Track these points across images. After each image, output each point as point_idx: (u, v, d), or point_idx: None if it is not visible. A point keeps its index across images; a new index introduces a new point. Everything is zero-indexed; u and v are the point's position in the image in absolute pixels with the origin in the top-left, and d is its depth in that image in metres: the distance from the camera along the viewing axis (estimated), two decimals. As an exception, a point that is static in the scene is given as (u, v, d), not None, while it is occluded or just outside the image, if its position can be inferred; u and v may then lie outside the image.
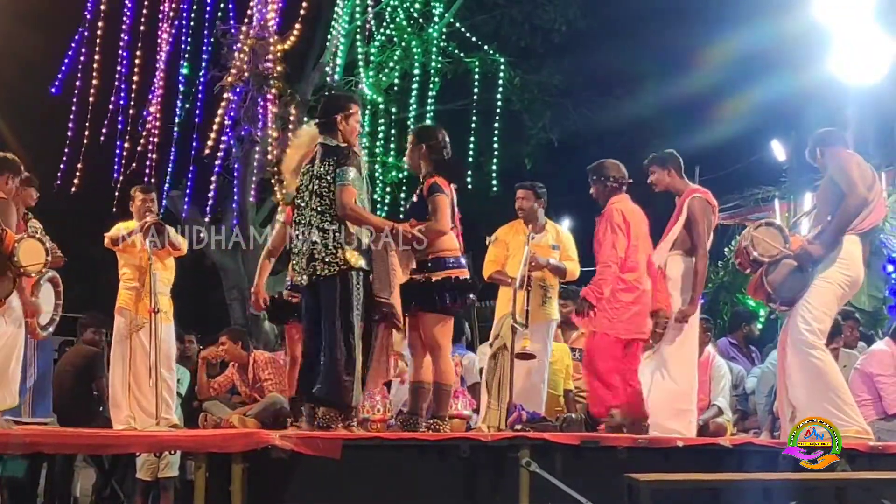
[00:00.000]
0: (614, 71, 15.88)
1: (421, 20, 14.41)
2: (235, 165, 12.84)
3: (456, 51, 14.79)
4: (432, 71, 14.34)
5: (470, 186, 12.75)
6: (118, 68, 11.57)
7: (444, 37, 14.57)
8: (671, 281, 6.09)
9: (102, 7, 11.37)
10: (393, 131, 14.45)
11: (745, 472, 5.27)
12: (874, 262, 9.79)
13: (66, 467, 7.74)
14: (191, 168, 12.51)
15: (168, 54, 11.82)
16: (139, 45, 11.61)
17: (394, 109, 14.35)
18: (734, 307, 11.22)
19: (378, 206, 13.76)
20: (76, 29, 11.49)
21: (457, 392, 6.68)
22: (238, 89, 12.30)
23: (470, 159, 13.84)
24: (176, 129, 12.26)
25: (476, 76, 14.79)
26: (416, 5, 14.22)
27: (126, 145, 11.64)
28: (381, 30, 14.33)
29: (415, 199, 5.86)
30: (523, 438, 5.24)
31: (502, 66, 14.81)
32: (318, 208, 5.33)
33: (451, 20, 14.55)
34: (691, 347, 6.15)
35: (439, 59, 14.47)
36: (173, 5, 11.80)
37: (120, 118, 11.51)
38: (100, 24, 11.35)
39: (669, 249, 6.13)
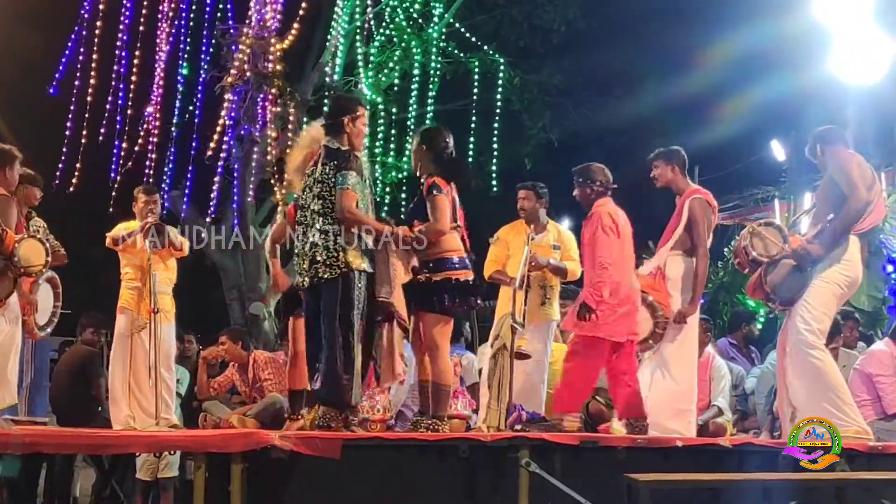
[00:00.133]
0: (614, 71, 15.87)
1: (420, 20, 14.41)
2: (235, 165, 12.84)
3: (456, 51, 14.80)
4: (432, 71, 14.34)
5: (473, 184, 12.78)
6: (117, 68, 11.57)
7: (443, 37, 14.58)
8: (671, 281, 6.09)
9: (101, 6, 11.37)
10: (393, 132, 14.45)
11: (744, 472, 5.27)
12: (874, 263, 9.79)
13: (65, 467, 7.74)
14: (190, 168, 12.53)
15: (167, 54, 11.82)
16: (138, 44, 11.62)
17: (394, 110, 14.35)
18: (734, 307, 11.22)
19: (378, 206, 13.76)
20: (75, 29, 11.50)
21: (456, 392, 6.69)
22: (238, 89, 12.30)
23: (470, 159, 13.85)
24: (175, 129, 12.26)
25: (476, 76, 14.79)
26: (416, 5, 14.22)
27: (124, 145, 11.65)
28: (381, 30, 14.34)
29: (416, 199, 5.88)
30: (523, 438, 5.25)
31: (502, 67, 14.81)
32: (320, 211, 5.36)
33: (451, 20, 14.55)
34: (691, 347, 6.15)
35: (439, 59, 14.48)
36: (173, 5, 11.80)
37: (118, 118, 11.51)
38: (98, 23, 11.34)
39: (669, 250, 6.13)
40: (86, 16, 11.40)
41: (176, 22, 11.84)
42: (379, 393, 6.51)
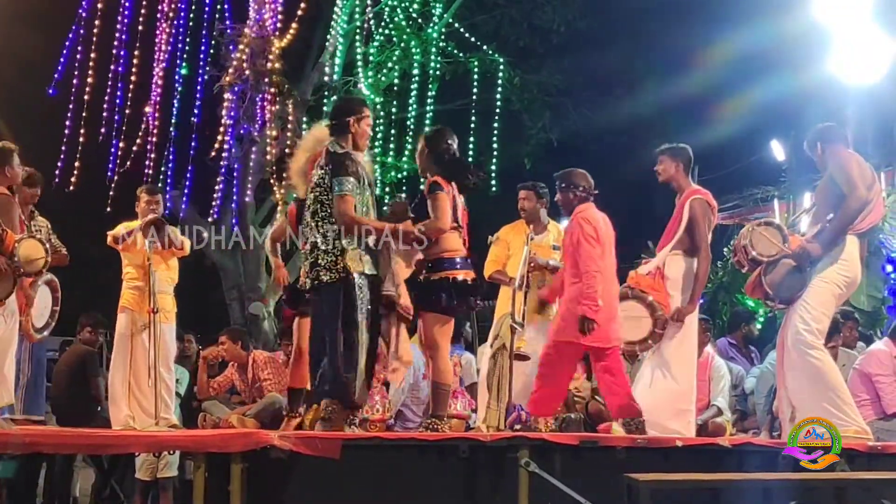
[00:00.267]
0: (614, 71, 15.88)
1: (420, 20, 14.41)
2: (235, 165, 12.85)
3: (455, 51, 14.80)
4: (431, 71, 14.34)
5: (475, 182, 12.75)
6: (116, 67, 11.58)
7: (443, 37, 14.58)
8: (670, 281, 6.08)
9: (99, 5, 11.37)
10: (392, 132, 14.45)
11: (744, 472, 5.27)
12: (873, 263, 9.78)
13: (65, 467, 7.74)
14: (189, 168, 12.53)
15: (166, 54, 11.82)
16: (137, 44, 11.62)
17: (393, 109, 14.35)
18: (733, 307, 11.21)
19: (378, 205, 13.75)
20: (74, 28, 11.50)
21: (456, 392, 6.69)
22: (237, 88, 12.31)
23: (470, 159, 13.84)
24: (174, 128, 12.27)
25: (475, 76, 14.79)
26: (415, 5, 14.22)
27: (122, 145, 11.65)
28: (381, 30, 14.34)
29: (418, 199, 5.90)
30: (522, 438, 5.24)
31: (502, 66, 14.81)
32: (320, 214, 5.40)
33: (451, 20, 14.55)
34: (691, 347, 6.15)
35: (439, 59, 14.48)
36: (173, 5, 11.80)
37: (117, 117, 11.52)
38: (96, 22, 11.34)
39: (670, 250, 6.12)
40: (84, 15, 11.40)
41: (175, 22, 11.84)
42: (378, 393, 6.51)
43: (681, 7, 14.48)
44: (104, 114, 11.56)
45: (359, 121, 5.57)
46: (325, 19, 13.89)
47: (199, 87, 12.45)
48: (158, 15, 11.69)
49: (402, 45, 14.31)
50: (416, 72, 14.26)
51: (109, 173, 11.66)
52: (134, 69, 11.65)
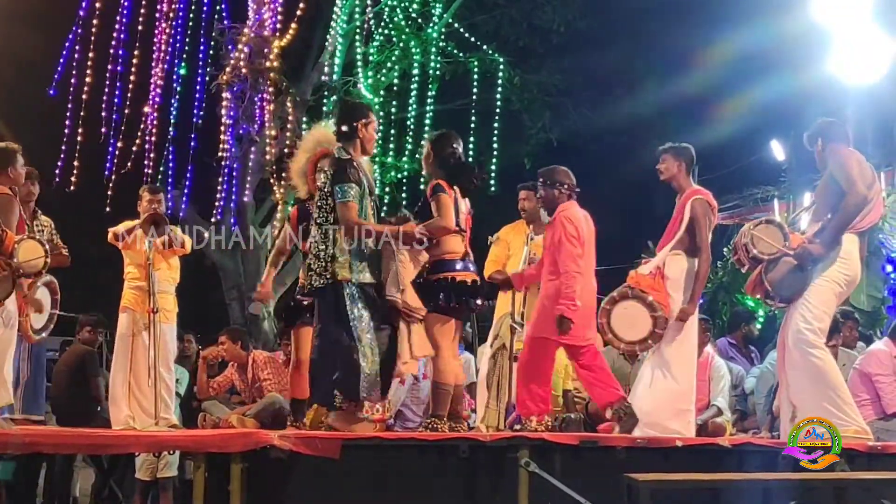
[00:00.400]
0: (614, 71, 15.88)
1: (420, 20, 14.41)
2: (234, 165, 12.85)
3: (455, 51, 14.80)
4: (431, 71, 14.34)
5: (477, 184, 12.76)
6: (115, 67, 11.58)
7: (443, 37, 14.57)
8: (670, 281, 6.07)
9: (97, 5, 11.36)
10: (392, 131, 14.46)
11: (744, 472, 5.27)
12: (873, 263, 9.77)
13: (65, 467, 7.74)
14: (189, 168, 12.53)
15: (166, 54, 11.82)
16: (136, 44, 11.63)
17: (393, 110, 14.35)
18: (733, 307, 11.20)
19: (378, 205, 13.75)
20: (73, 28, 11.50)
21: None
22: (236, 88, 12.31)
23: (470, 159, 13.84)
24: (173, 128, 12.27)
25: (475, 76, 14.79)
26: (415, 5, 14.22)
27: (120, 144, 11.65)
28: (380, 30, 14.34)
29: (421, 202, 5.92)
30: (522, 438, 5.25)
31: (501, 66, 14.81)
32: (318, 220, 5.45)
33: (450, 20, 14.55)
34: (691, 347, 6.14)
35: (438, 58, 14.48)
36: (173, 5, 11.80)
37: (115, 116, 11.53)
38: (94, 21, 11.34)
39: (670, 250, 6.11)
40: (83, 14, 11.41)
41: (174, 21, 11.84)
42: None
43: (681, 7, 14.48)
44: (103, 114, 11.57)
45: (366, 126, 5.60)
46: (325, 19, 13.90)
47: (197, 87, 12.45)
48: (157, 14, 11.69)
49: (402, 44, 14.31)
50: (415, 72, 14.26)
51: (107, 172, 11.65)
52: (133, 69, 11.65)
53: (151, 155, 11.88)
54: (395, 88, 14.49)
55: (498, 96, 14.68)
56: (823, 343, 5.74)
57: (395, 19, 14.27)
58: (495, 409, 6.48)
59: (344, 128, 5.59)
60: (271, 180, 12.81)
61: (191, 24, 12.16)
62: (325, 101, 13.99)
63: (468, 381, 7.71)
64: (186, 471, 7.66)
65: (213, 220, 12.60)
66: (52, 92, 11.51)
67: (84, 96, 11.39)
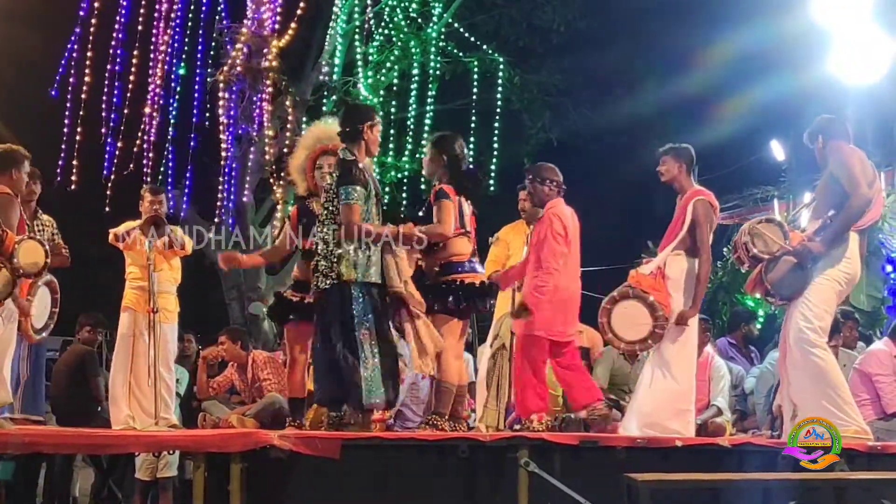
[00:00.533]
0: (614, 71, 15.88)
1: (420, 20, 14.41)
2: (233, 165, 12.85)
3: (455, 50, 14.80)
4: (431, 71, 14.35)
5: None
6: (114, 67, 11.58)
7: (442, 36, 14.57)
8: (671, 281, 6.07)
9: (97, 4, 11.36)
10: (392, 131, 14.46)
11: (744, 472, 5.27)
12: (873, 263, 9.78)
13: (65, 467, 7.74)
14: (188, 167, 12.53)
15: (165, 54, 11.82)
16: (136, 43, 11.63)
17: (393, 109, 14.36)
18: (733, 307, 11.20)
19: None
20: (73, 28, 11.50)
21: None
22: (235, 87, 12.31)
23: (470, 159, 13.83)
24: (172, 128, 12.27)
25: (475, 76, 14.79)
26: (415, 5, 14.22)
27: (120, 144, 11.65)
28: (380, 29, 14.33)
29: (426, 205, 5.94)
30: (522, 438, 5.25)
31: (501, 66, 14.81)
32: (324, 220, 5.46)
33: (450, 20, 14.55)
34: (691, 347, 6.14)
35: (438, 58, 14.48)
36: (173, 5, 11.80)
37: (113, 115, 11.53)
38: (93, 21, 11.34)
39: (672, 250, 6.11)
40: (83, 14, 11.41)
41: (173, 21, 11.84)
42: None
43: (681, 7, 14.48)
44: (103, 113, 11.57)
45: (371, 127, 5.61)
46: (325, 19, 13.89)
47: (196, 87, 12.45)
48: (156, 14, 11.69)
49: (402, 44, 14.31)
50: (415, 71, 14.26)
51: (106, 172, 11.65)
52: (133, 69, 11.65)
53: (151, 155, 11.88)
54: (394, 88, 14.49)
55: (498, 96, 14.68)
56: (825, 342, 5.73)
57: (395, 19, 14.26)
58: (495, 408, 6.49)
59: (348, 129, 5.59)
60: (270, 180, 12.81)
61: (189, 24, 12.15)
62: (324, 101, 13.99)
63: (468, 380, 7.72)
64: (186, 471, 7.66)
65: (215, 220, 12.60)
66: (53, 93, 11.51)
67: (83, 96, 11.38)
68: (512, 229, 7.13)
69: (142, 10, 11.60)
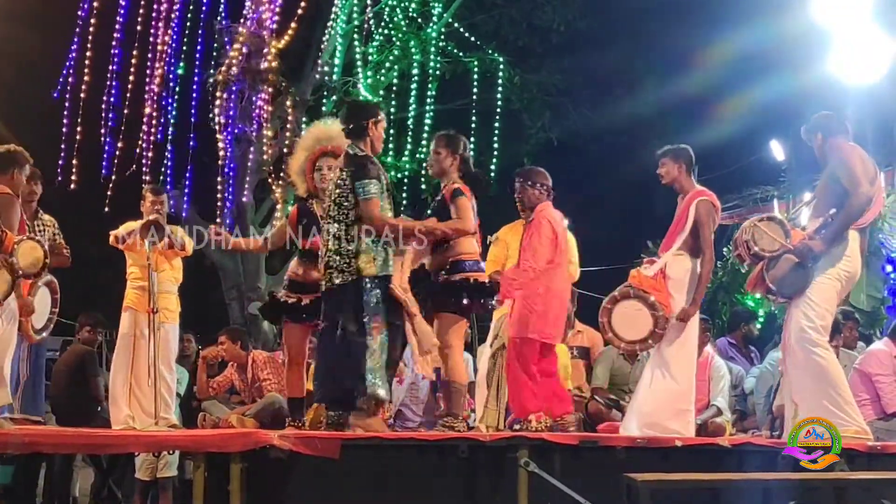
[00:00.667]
0: (614, 71, 15.89)
1: (419, 20, 14.41)
2: (231, 165, 12.85)
3: (455, 50, 14.79)
4: (431, 71, 14.35)
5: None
6: (115, 67, 11.59)
7: (442, 36, 14.57)
8: (672, 281, 6.06)
9: (95, 4, 11.36)
10: (392, 131, 14.45)
11: (744, 472, 5.26)
12: (873, 263, 9.77)
13: (64, 467, 7.73)
14: (188, 167, 12.53)
15: (165, 54, 11.82)
16: (135, 43, 11.63)
17: (392, 109, 14.36)
18: (733, 307, 11.20)
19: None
20: (72, 28, 11.51)
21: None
22: (234, 88, 12.31)
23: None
24: (172, 128, 12.27)
25: (475, 76, 14.79)
26: (414, 5, 14.22)
27: (120, 144, 11.65)
28: (380, 29, 14.34)
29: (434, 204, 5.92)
30: (522, 438, 5.24)
31: (501, 66, 14.81)
32: (336, 217, 5.41)
33: (450, 20, 14.55)
34: (691, 347, 6.14)
35: (438, 58, 14.48)
36: (173, 5, 11.80)
37: (111, 115, 11.53)
38: (92, 21, 11.35)
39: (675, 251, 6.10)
40: (83, 15, 11.41)
41: (173, 21, 11.84)
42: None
43: (681, 7, 14.49)
44: (103, 114, 11.58)
45: (375, 124, 5.60)
46: (325, 19, 13.89)
47: (195, 87, 12.45)
48: (154, 14, 11.68)
49: (402, 44, 14.31)
50: (415, 71, 14.26)
51: (104, 171, 11.65)
52: (132, 68, 11.65)
53: (150, 154, 11.89)
54: (394, 88, 14.49)
55: (498, 96, 14.68)
56: (827, 341, 5.72)
57: (395, 19, 14.27)
58: (495, 408, 6.47)
59: (353, 126, 5.59)
60: (269, 180, 12.81)
61: (188, 23, 12.15)
62: (324, 101, 14.00)
63: (468, 380, 7.72)
64: (186, 471, 7.66)
65: (216, 220, 12.59)
66: (55, 94, 11.51)
67: (83, 96, 11.38)
68: (511, 229, 7.12)
69: (140, 10, 11.60)
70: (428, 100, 14.43)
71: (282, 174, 11.76)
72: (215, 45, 12.67)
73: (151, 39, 11.70)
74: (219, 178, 12.44)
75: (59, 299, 6.25)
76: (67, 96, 11.45)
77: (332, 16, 13.63)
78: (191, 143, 12.29)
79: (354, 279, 5.30)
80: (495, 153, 14.51)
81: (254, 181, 13.12)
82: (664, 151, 6.26)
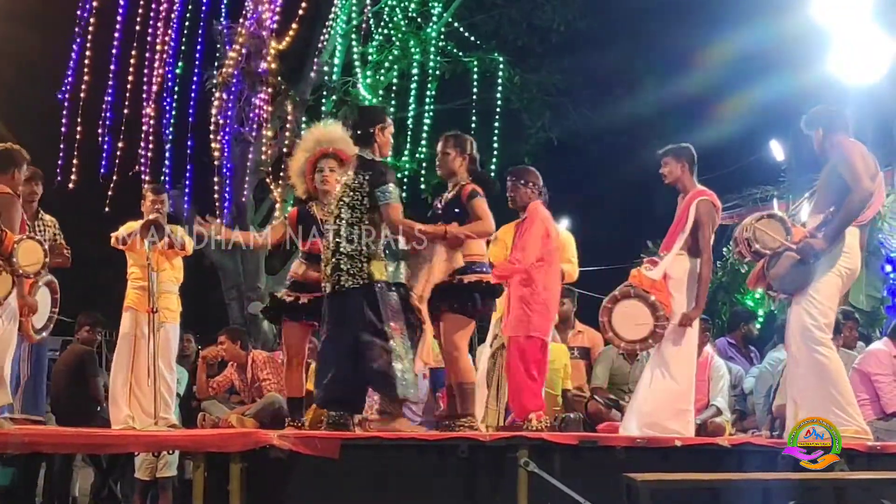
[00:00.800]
0: (614, 71, 15.90)
1: (419, 19, 14.41)
2: (229, 165, 12.85)
3: (455, 50, 14.79)
4: (431, 70, 14.34)
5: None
6: (116, 67, 11.59)
7: (442, 36, 14.57)
8: (672, 281, 6.06)
9: (95, 3, 11.36)
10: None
11: (743, 471, 5.26)
12: (872, 262, 9.77)
13: (64, 467, 7.73)
14: (188, 167, 12.53)
15: (165, 54, 11.82)
16: (134, 43, 11.63)
17: (392, 109, 14.35)
18: (733, 307, 11.20)
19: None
20: (72, 28, 11.51)
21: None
22: (234, 88, 12.32)
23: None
24: (171, 128, 12.27)
25: (475, 75, 14.79)
26: (414, 5, 14.22)
27: (121, 144, 11.65)
28: (380, 29, 14.34)
29: (439, 203, 5.90)
30: (522, 438, 5.24)
31: (501, 66, 14.80)
32: (349, 220, 5.38)
33: (450, 20, 14.55)
34: (691, 347, 6.14)
35: (438, 58, 14.48)
36: (173, 5, 11.80)
37: (110, 115, 11.53)
38: (91, 20, 11.35)
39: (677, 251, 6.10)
40: (84, 15, 11.41)
41: (173, 21, 11.84)
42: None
43: (681, 7, 14.49)
44: (102, 113, 11.58)
45: (383, 130, 5.59)
46: (325, 19, 13.90)
47: (194, 86, 12.45)
48: (152, 14, 11.69)
49: (401, 44, 14.31)
50: (415, 71, 14.26)
51: (103, 170, 11.66)
52: (131, 69, 11.65)
53: (149, 154, 11.88)
54: (394, 88, 14.48)
55: (498, 96, 14.68)
56: (830, 339, 5.71)
57: (395, 19, 14.26)
58: (495, 408, 6.49)
59: (360, 132, 5.57)
60: (268, 180, 12.81)
61: (187, 23, 12.15)
62: (323, 101, 14.00)
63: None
64: (186, 470, 7.66)
65: (216, 220, 12.59)
66: (60, 95, 11.50)
67: (83, 95, 11.38)
68: (510, 229, 7.13)
69: (140, 10, 11.60)
70: (427, 100, 14.43)
71: (281, 174, 11.76)
72: (218, 45, 12.67)
73: (150, 39, 11.69)
74: (215, 178, 12.43)
75: (59, 299, 6.25)
76: (67, 96, 11.44)
77: (332, 15, 13.63)
78: (188, 142, 12.28)
79: (366, 283, 5.28)
80: (495, 153, 14.50)
81: (253, 181, 13.12)
82: (667, 151, 6.26)
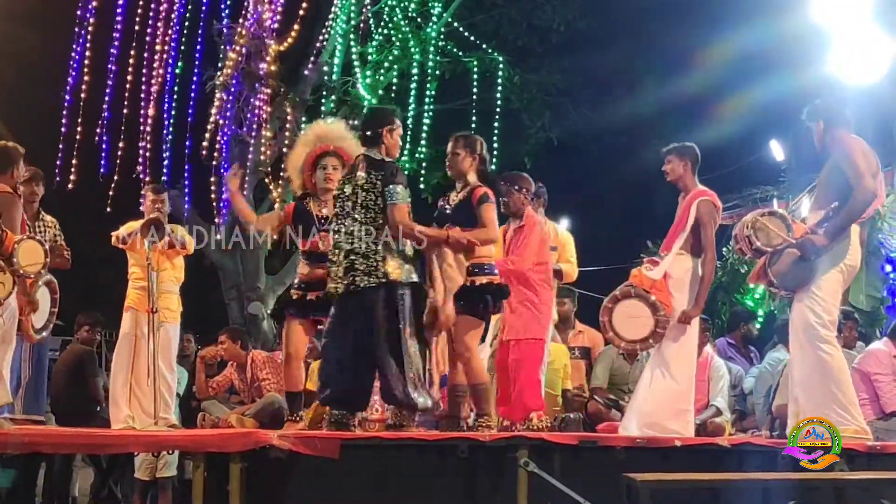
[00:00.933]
0: (614, 71, 15.89)
1: (419, 19, 14.41)
2: (227, 165, 12.85)
3: (454, 50, 14.79)
4: (430, 70, 14.34)
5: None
6: (115, 67, 11.59)
7: (442, 36, 14.57)
8: (673, 280, 6.06)
9: (94, 3, 11.36)
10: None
11: (743, 471, 5.27)
12: (872, 263, 9.77)
13: (64, 467, 7.73)
14: (186, 167, 12.54)
15: (166, 54, 11.82)
16: (133, 43, 11.63)
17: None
18: (732, 307, 11.20)
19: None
20: (72, 28, 11.50)
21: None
22: (233, 89, 12.31)
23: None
24: (171, 128, 12.27)
25: (475, 75, 14.78)
26: (413, 4, 14.21)
27: (121, 144, 11.65)
28: (379, 29, 14.33)
29: (446, 203, 5.90)
30: (522, 438, 5.25)
31: (501, 66, 14.80)
32: (362, 219, 5.35)
33: (450, 19, 14.54)
34: (691, 347, 6.14)
35: (438, 58, 14.47)
36: (173, 5, 11.80)
37: (108, 114, 11.53)
38: (91, 19, 11.34)
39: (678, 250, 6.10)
40: (85, 15, 11.40)
41: (173, 21, 11.84)
42: (377, 393, 6.51)
43: (681, 7, 14.49)
44: (104, 113, 11.58)
45: (391, 132, 5.55)
46: (325, 19, 13.90)
47: (193, 86, 12.45)
48: (151, 14, 11.68)
49: (401, 44, 14.30)
50: (415, 71, 14.25)
51: (103, 170, 11.65)
52: (130, 68, 11.65)
53: (148, 154, 11.89)
54: (393, 88, 14.48)
55: (498, 96, 14.67)
56: (834, 336, 5.70)
57: (395, 18, 14.26)
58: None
59: (369, 133, 5.55)
60: (266, 180, 12.81)
61: (187, 24, 12.14)
62: (323, 100, 14.00)
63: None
64: (186, 470, 7.66)
65: (215, 220, 12.60)
66: (66, 96, 11.49)
67: (83, 95, 11.38)
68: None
69: (139, 10, 11.59)
70: (427, 100, 14.42)
71: (281, 174, 11.76)
72: (221, 46, 12.67)
73: (149, 39, 11.69)
74: (212, 178, 12.43)
75: (59, 299, 6.25)
76: (68, 96, 11.44)
77: (332, 15, 13.63)
78: (187, 142, 12.28)
79: (383, 283, 5.26)
80: (495, 153, 14.49)
81: (252, 181, 13.12)
82: (670, 149, 6.25)
